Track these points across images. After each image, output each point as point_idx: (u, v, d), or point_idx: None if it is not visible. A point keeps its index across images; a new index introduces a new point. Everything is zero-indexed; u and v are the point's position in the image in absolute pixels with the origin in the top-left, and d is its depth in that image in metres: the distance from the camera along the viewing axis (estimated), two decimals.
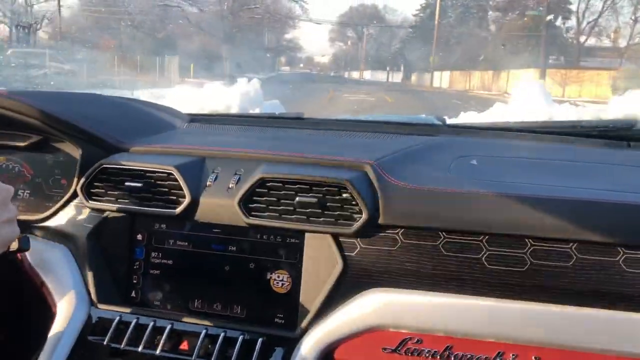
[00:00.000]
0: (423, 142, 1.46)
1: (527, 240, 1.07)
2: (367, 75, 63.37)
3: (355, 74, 70.69)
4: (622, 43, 37.68)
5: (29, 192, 1.43)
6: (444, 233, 1.11)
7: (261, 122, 1.85)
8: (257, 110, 7.81)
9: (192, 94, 9.73)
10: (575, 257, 1.04)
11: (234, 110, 8.40)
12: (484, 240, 1.09)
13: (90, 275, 1.28)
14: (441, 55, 45.53)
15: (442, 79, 46.56)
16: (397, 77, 60.85)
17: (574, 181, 1.18)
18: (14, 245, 1.13)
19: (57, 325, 1.23)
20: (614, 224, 1.04)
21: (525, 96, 9.70)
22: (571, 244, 1.05)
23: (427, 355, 1.06)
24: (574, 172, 1.28)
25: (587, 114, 9.00)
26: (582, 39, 39.46)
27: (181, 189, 1.23)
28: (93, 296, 1.26)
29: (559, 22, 40.45)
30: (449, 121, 1.82)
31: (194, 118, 1.83)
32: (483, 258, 1.08)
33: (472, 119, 6.86)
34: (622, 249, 1.03)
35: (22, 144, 1.42)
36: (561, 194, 1.10)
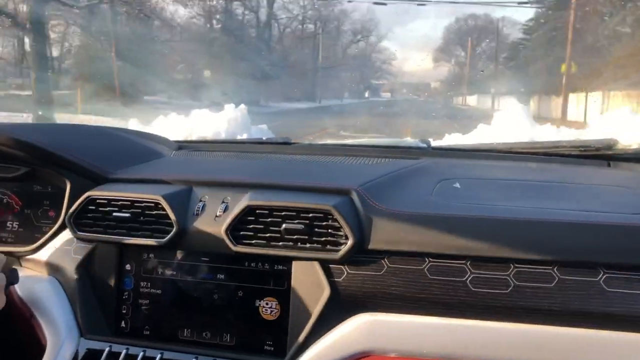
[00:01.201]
0: (408, 165, 1.47)
1: (510, 263, 1.08)
2: (473, 100, 45.10)
3: (460, 100, 50.07)
4: None
5: (17, 223, 1.43)
6: (428, 257, 1.11)
7: (249, 147, 1.86)
8: (245, 136, 7.81)
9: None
10: (557, 278, 1.05)
11: (222, 136, 8.40)
12: (468, 264, 1.09)
13: (79, 306, 1.27)
14: (583, 63, 22.47)
15: (586, 107, 21.41)
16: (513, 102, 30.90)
17: (555, 202, 1.19)
18: (2, 279, 1.12)
19: (47, 358, 1.21)
20: (594, 245, 1.06)
21: (508, 117, 9.78)
22: (553, 265, 1.06)
23: None
24: (555, 193, 1.29)
25: (568, 134, 9.09)
26: None
27: (169, 219, 1.23)
28: (82, 327, 1.25)
29: None
30: (433, 144, 1.83)
31: (182, 145, 1.84)
32: (467, 281, 1.09)
33: (457, 140, 6.90)
34: (602, 269, 1.04)
35: (10, 175, 1.42)
36: (542, 216, 1.11)
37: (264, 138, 2.35)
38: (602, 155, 1.58)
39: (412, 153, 1.69)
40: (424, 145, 1.80)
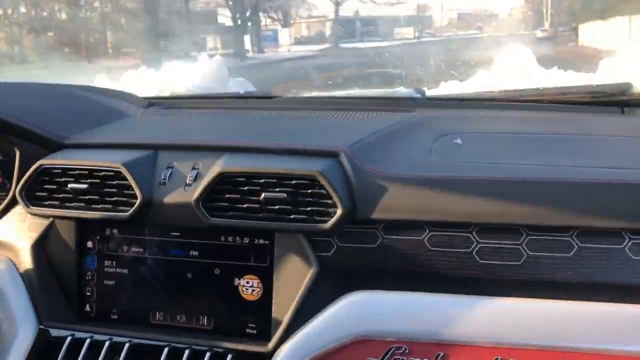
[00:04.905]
0: (402, 119, 1.43)
1: (522, 229, 1.04)
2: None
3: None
4: None
5: None
6: (429, 226, 1.08)
7: (227, 103, 1.84)
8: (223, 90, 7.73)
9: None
10: (576, 247, 1.02)
11: (198, 90, 8.31)
12: (474, 232, 1.06)
13: (36, 290, 1.25)
14: None
15: None
16: None
17: (569, 158, 1.16)
18: None
19: (1, 349, 1.19)
20: (616, 207, 1.02)
21: (509, 61, 9.75)
22: (571, 231, 1.03)
23: None
24: (567, 147, 1.26)
25: (577, 78, 9.09)
26: None
27: (132, 189, 1.19)
28: (41, 313, 1.23)
29: None
30: (428, 93, 1.80)
31: (152, 102, 1.79)
32: (474, 252, 1.06)
33: (454, 89, 6.87)
34: (627, 234, 1.01)
35: None
36: (556, 176, 1.08)
37: (241, 92, 2.31)
38: (615, 101, 1.55)
39: (406, 104, 1.67)
40: (419, 95, 1.76)
